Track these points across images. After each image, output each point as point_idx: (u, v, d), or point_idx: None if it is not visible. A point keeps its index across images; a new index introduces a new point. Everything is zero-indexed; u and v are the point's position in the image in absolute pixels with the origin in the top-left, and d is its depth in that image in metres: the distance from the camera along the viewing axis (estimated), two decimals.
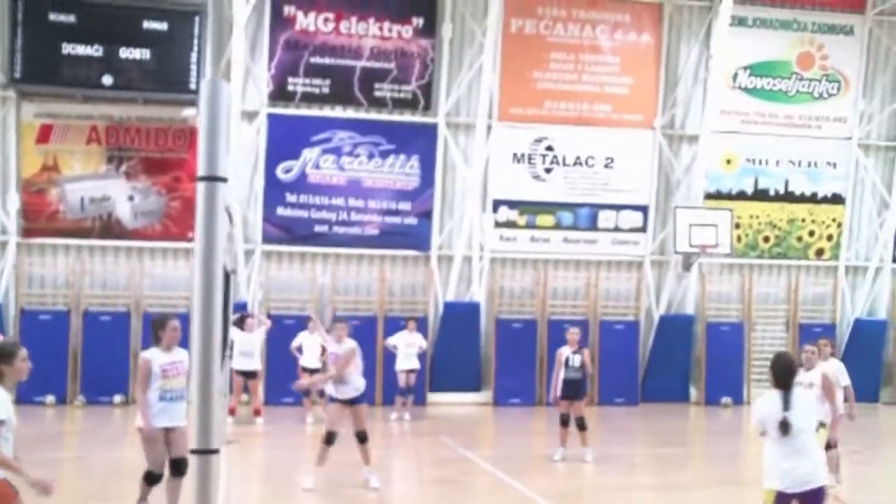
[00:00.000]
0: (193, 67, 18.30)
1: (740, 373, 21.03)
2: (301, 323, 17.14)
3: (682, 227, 19.93)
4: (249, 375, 16.31)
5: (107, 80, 18.11)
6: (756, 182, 21.66)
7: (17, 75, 17.96)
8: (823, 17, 21.61)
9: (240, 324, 15.76)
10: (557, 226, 20.75)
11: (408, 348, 17.33)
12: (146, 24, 18.21)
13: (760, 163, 21.64)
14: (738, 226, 21.20)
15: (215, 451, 3.59)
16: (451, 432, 15.81)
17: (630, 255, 21.16)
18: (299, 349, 16.69)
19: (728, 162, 21.51)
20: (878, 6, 21.59)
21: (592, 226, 20.87)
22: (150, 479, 8.33)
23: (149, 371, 8.30)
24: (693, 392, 21.13)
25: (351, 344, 10.66)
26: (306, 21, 19.54)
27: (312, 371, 15.70)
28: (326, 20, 19.62)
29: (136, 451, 9.25)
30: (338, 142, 19.76)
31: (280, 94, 19.51)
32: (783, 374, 6.66)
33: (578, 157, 20.75)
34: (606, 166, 20.86)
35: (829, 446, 10.23)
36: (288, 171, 19.59)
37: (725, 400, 20.56)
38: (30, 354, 5.91)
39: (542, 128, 20.60)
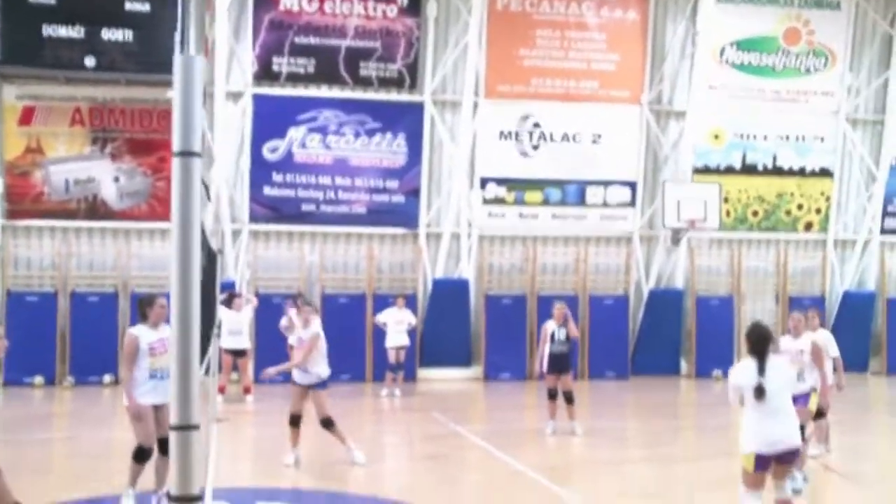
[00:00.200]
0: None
1: (730, 346, 21.07)
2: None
3: (671, 202, 19.94)
4: (238, 354, 16.35)
5: (89, 61, 17.96)
6: (744, 157, 21.66)
7: None
8: None
9: (228, 303, 15.76)
10: (546, 202, 20.73)
11: (397, 325, 17.36)
12: (128, 6, 18.03)
13: (748, 137, 21.64)
14: (726, 200, 21.21)
15: (195, 427, 3.56)
16: (441, 408, 15.84)
17: (619, 231, 21.17)
18: (287, 328, 16.67)
19: (716, 137, 21.49)
20: None
21: (581, 202, 20.86)
22: (141, 456, 8.31)
23: (136, 347, 8.27)
24: (683, 365, 21.24)
25: (315, 329, 10.61)
26: (290, 1, 19.40)
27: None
28: (310, 0, 19.51)
29: (125, 431, 9.23)
30: (323, 121, 19.69)
31: (265, 73, 19.41)
32: (758, 341, 6.97)
33: (566, 134, 20.72)
34: (594, 142, 20.83)
35: (820, 413, 10.30)
36: (274, 150, 19.52)
37: (716, 373, 20.60)
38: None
39: (528, 104, 20.54)
